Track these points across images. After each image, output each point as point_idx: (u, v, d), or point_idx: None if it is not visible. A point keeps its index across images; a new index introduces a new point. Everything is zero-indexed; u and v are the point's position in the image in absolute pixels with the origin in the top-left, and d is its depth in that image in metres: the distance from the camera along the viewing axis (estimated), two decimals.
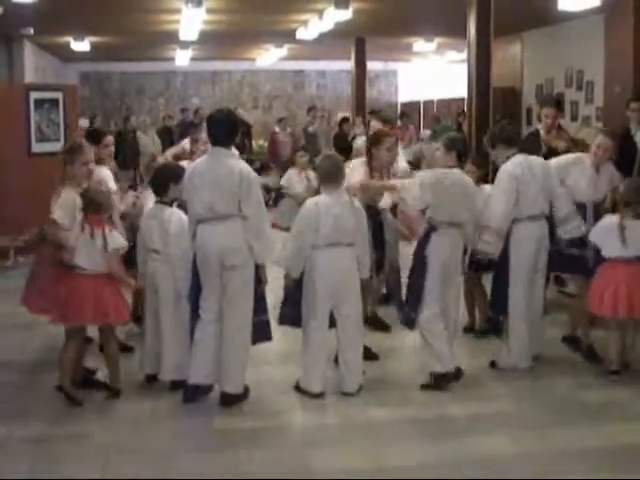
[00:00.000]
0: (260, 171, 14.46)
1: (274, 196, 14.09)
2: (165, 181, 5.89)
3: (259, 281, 5.59)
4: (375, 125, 8.22)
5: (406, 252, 6.38)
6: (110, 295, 5.52)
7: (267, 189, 13.66)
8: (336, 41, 16.50)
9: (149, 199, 6.27)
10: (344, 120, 16.38)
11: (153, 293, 5.84)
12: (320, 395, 5.67)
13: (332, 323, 5.80)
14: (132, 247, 5.85)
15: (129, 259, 5.91)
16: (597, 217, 6.42)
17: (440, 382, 5.80)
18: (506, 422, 5.30)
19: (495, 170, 6.49)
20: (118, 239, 5.59)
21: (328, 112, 21.98)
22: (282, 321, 5.96)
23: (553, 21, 14.55)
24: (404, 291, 6.21)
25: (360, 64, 18.36)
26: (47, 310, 5.66)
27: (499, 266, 6.22)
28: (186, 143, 10.02)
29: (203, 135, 6.81)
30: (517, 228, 6.10)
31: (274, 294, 6.19)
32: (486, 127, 7.90)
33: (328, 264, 5.66)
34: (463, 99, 13.52)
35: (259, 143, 20.04)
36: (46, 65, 19.42)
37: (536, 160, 6.33)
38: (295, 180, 9.19)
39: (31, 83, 15.04)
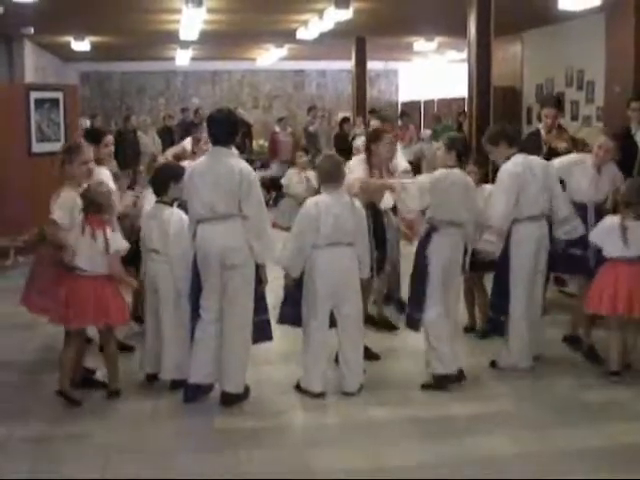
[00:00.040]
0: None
1: (274, 196, 14.11)
2: (165, 181, 5.89)
3: (259, 281, 5.59)
4: (375, 124, 8.24)
5: (407, 252, 6.37)
6: (111, 296, 5.51)
7: (267, 186, 13.67)
8: (336, 41, 16.50)
9: (149, 199, 6.27)
10: (345, 120, 16.38)
11: (153, 293, 5.84)
12: (321, 395, 5.67)
13: (332, 323, 5.80)
14: (131, 247, 5.83)
15: (128, 259, 5.90)
16: (599, 218, 6.41)
17: (441, 383, 5.80)
18: (506, 422, 5.30)
19: (495, 170, 6.48)
20: (119, 241, 5.59)
21: (328, 112, 21.96)
22: (282, 320, 5.96)
23: (553, 20, 14.54)
24: (404, 292, 6.21)
25: (360, 64, 18.36)
26: (47, 310, 5.66)
27: (500, 266, 6.21)
28: (186, 143, 10.03)
29: (205, 135, 6.82)
30: (517, 228, 6.10)
31: (274, 294, 6.19)
32: (486, 127, 7.88)
33: (328, 264, 5.65)
34: (464, 99, 13.52)
35: (259, 143, 20.03)
36: (46, 65, 19.42)
37: (536, 160, 6.33)
38: (295, 180, 9.19)
39: (31, 83, 15.04)
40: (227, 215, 5.43)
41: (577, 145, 8.03)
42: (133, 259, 6.00)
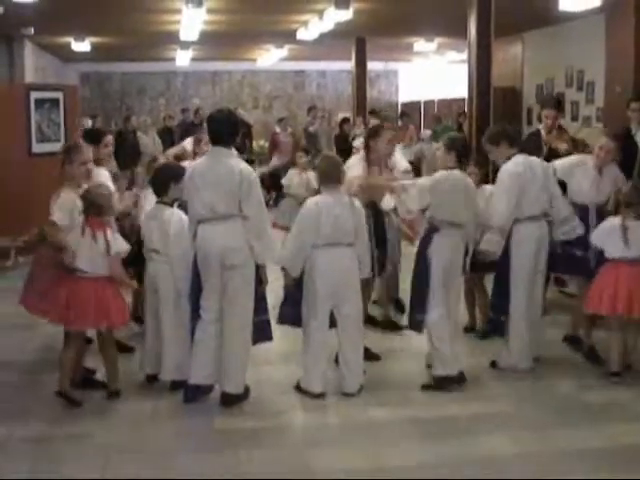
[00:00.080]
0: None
1: (275, 196, 14.11)
2: (165, 181, 5.89)
3: (260, 281, 5.59)
4: (374, 124, 8.25)
5: (409, 252, 6.37)
6: (111, 298, 5.51)
7: (267, 186, 13.66)
8: (336, 41, 16.50)
9: (149, 199, 6.27)
10: (345, 121, 16.37)
11: (153, 293, 5.84)
12: (321, 395, 5.67)
13: (332, 323, 5.80)
14: (132, 248, 5.82)
15: (129, 260, 5.89)
16: (600, 219, 6.42)
17: (442, 384, 5.79)
18: (506, 422, 5.30)
19: (495, 171, 6.48)
20: (120, 242, 5.58)
21: (329, 112, 21.97)
22: (281, 321, 5.95)
23: (554, 21, 14.55)
24: (404, 292, 6.20)
25: (360, 64, 18.36)
26: (46, 311, 5.65)
27: (500, 267, 6.22)
28: (187, 143, 10.03)
29: (206, 135, 6.82)
30: (517, 228, 6.10)
31: (274, 294, 6.19)
32: (487, 127, 7.89)
33: (328, 264, 5.65)
34: (464, 99, 13.52)
35: (259, 143, 20.04)
36: (46, 65, 19.42)
37: (536, 160, 6.34)
38: (296, 181, 9.19)
39: (32, 83, 15.04)
40: (227, 215, 5.43)
41: (577, 146, 8.03)
42: (133, 261, 6.00)
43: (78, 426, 5.22)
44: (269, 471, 4.62)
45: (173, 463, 4.72)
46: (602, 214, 6.55)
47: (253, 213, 5.42)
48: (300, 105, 22.92)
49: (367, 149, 6.80)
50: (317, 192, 6.01)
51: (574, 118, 14.57)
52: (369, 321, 7.14)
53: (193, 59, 20.27)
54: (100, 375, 5.89)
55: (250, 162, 6.56)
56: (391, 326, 7.26)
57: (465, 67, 11.84)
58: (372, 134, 6.84)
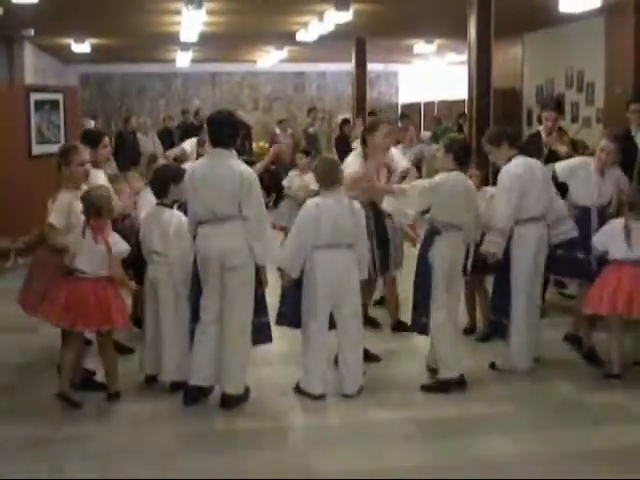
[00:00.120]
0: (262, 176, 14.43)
1: (274, 197, 14.11)
2: (165, 182, 5.89)
3: (259, 282, 5.59)
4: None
5: (411, 253, 6.36)
6: (111, 298, 5.51)
7: (266, 187, 13.64)
8: (336, 43, 16.49)
9: (148, 200, 6.27)
10: (345, 122, 16.37)
11: (153, 294, 5.84)
12: (320, 397, 5.67)
13: (332, 324, 5.80)
14: (132, 249, 5.82)
15: (129, 262, 5.89)
16: (601, 221, 6.43)
17: (444, 387, 5.79)
18: (506, 423, 5.30)
19: (495, 172, 6.49)
20: (120, 243, 5.59)
21: (329, 114, 21.97)
22: (280, 322, 5.95)
23: (554, 22, 14.55)
24: (403, 292, 6.20)
25: (360, 65, 18.35)
26: (45, 313, 5.62)
27: (500, 268, 6.22)
28: (186, 145, 10.05)
29: None
30: (518, 230, 6.10)
31: (274, 295, 6.19)
32: (487, 128, 7.88)
33: (328, 265, 5.66)
34: (464, 100, 13.52)
35: (259, 145, 20.03)
36: (46, 66, 19.42)
37: (535, 162, 6.34)
38: (296, 182, 9.20)
39: (32, 84, 15.02)
40: (227, 217, 5.43)
41: (577, 148, 8.04)
42: (133, 262, 5.99)
43: (78, 427, 5.22)
44: (269, 472, 4.62)
45: (173, 464, 4.72)
46: (604, 216, 6.55)
47: (253, 214, 5.42)
48: (300, 106, 22.91)
49: (364, 144, 6.81)
50: (316, 194, 6.01)
51: (574, 119, 14.58)
52: (369, 322, 7.15)
53: (193, 60, 20.27)
54: (100, 376, 5.88)
55: (250, 163, 6.56)
56: (401, 327, 7.19)
57: (465, 68, 11.84)
58: (369, 128, 6.86)
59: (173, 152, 10.18)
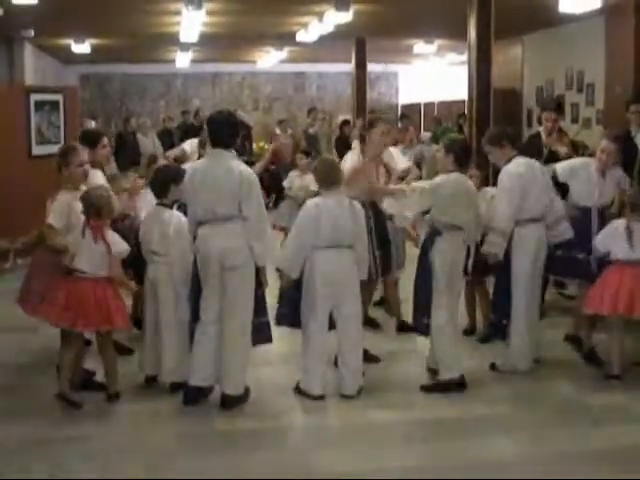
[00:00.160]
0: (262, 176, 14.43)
1: (274, 198, 14.11)
2: (165, 183, 5.89)
3: (259, 282, 5.59)
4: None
5: (414, 253, 6.35)
6: (111, 298, 5.51)
7: (266, 187, 13.63)
8: (336, 43, 16.49)
9: (148, 200, 6.27)
10: (345, 123, 16.37)
11: (153, 294, 5.84)
12: (320, 397, 5.67)
13: (332, 325, 5.80)
14: (131, 249, 5.81)
15: (128, 262, 5.89)
16: (602, 221, 6.42)
17: (445, 389, 5.79)
18: (506, 424, 5.30)
19: (496, 172, 6.48)
20: (120, 244, 5.58)
21: (329, 114, 21.96)
22: (279, 322, 5.94)
23: (554, 23, 14.55)
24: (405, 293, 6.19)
25: (360, 66, 18.34)
26: (44, 313, 5.62)
27: (501, 269, 6.22)
28: (186, 145, 10.04)
29: None
30: (518, 231, 6.10)
31: (274, 295, 6.18)
32: (486, 129, 7.89)
33: (328, 265, 5.66)
34: (464, 101, 13.53)
35: (259, 145, 20.04)
36: (46, 67, 19.41)
37: (535, 162, 6.35)
38: (297, 182, 9.20)
39: (31, 85, 15.02)
40: (227, 217, 5.43)
41: (577, 149, 8.04)
42: (133, 262, 5.99)
43: (78, 427, 5.22)
44: (269, 472, 4.61)
45: (173, 464, 4.72)
46: (604, 217, 6.54)
47: (253, 214, 5.42)
48: (300, 107, 22.90)
49: (362, 141, 6.81)
50: (317, 194, 6.01)
51: (574, 120, 14.57)
52: (369, 323, 7.14)
53: (193, 61, 20.26)
54: (99, 377, 5.88)
55: (250, 164, 6.57)
56: (406, 328, 7.14)
57: (465, 69, 11.84)
58: (367, 126, 6.85)
59: (173, 153, 10.18)
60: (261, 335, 5.68)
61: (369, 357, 6.26)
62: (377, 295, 7.80)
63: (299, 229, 5.72)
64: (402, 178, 7.36)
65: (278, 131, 16.97)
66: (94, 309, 5.41)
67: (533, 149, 7.36)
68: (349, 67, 18.86)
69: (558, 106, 8.61)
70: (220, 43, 17.58)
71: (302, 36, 15.17)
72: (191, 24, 13.20)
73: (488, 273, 6.70)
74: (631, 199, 6.03)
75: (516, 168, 6.11)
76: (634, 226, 5.91)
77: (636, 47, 12.04)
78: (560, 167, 6.80)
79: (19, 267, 6.35)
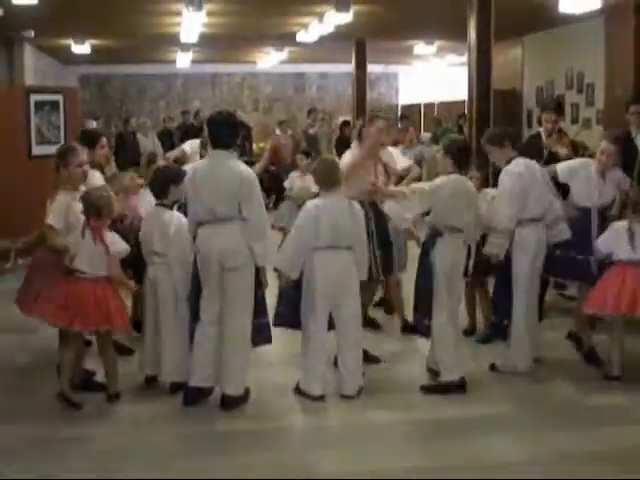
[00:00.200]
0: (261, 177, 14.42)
1: (274, 199, 14.11)
2: (165, 183, 5.89)
3: (259, 283, 5.59)
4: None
5: (415, 254, 6.35)
6: (111, 298, 5.50)
7: (266, 188, 13.63)
8: (337, 44, 16.49)
9: (147, 200, 6.27)
10: (345, 124, 16.37)
11: (153, 295, 5.84)
12: (320, 398, 5.66)
13: (331, 325, 5.80)
14: (131, 249, 5.81)
15: (128, 262, 5.88)
16: (602, 222, 6.42)
17: (445, 390, 5.78)
18: (506, 424, 5.30)
19: (496, 173, 6.48)
20: (120, 243, 5.58)
21: (329, 115, 21.98)
22: (278, 322, 5.93)
23: (554, 24, 14.56)
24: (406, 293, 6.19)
25: (361, 67, 18.35)
26: (44, 313, 5.62)
27: (502, 269, 6.22)
28: (186, 146, 10.04)
29: None
30: (518, 231, 6.10)
31: (273, 296, 6.18)
32: (486, 130, 7.89)
33: (327, 266, 5.65)
34: (464, 102, 13.53)
35: (259, 145, 20.04)
36: (46, 67, 19.41)
37: (534, 163, 6.35)
38: (298, 183, 9.20)
39: (31, 85, 15.02)
40: (227, 218, 5.43)
41: (577, 149, 8.03)
42: (133, 262, 5.99)
43: (78, 428, 5.22)
44: (269, 472, 4.61)
45: (173, 464, 4.72)
46: (605, 217, 6.54)
47: (253, 215, 5.42)
48: (300, 107, 22.91)
49: (360, 138, 6.80)
50: (317, 195, 6.01)
51: (574, 120, 14.58)
52: (370, 324, 7.14)
53: (193, 61, 20.27)
54: (99, 377, 5.88)
55: (250, 164, 6.57)
56: (410, 329, 7.08)
57: (465, 70, 11.84)
58: (366, 122, 6.82)
59: (173, 154, 10.18)
60: (261, 336, 5.68)
61: (369, 358, 6.26)
62: (377, 296, 7.80)
63: (299, 230, 5.72)
64: (403, 177, 7.37)
65: (278, 132, 16.98)
66: (93, 309, 5.41)
67: (533, 150, 7.35)
68: (349, 68, 18.87)
69: (558, 107, 8.61)
70: (220, 44, 17.59)
71: (302, 37, 15.18)
72: (191, 25, 13.21)
73: (489, 274, 6.70)
74: (633, 200, 6.04)
75: (516, 168, 6.11)
76: (636, 227, 5.92)
77: (636, 47, 12.04)
78: (560, 168, 6.80)
79: (20, 267, 6.35)
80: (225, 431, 5.22)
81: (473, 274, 6.32)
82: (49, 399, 5.51)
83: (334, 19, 12.53)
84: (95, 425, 5.28)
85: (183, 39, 15.12)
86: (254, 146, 19.28)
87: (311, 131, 16.86)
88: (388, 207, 6.63)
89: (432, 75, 23.51)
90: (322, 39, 14.96)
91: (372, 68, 19.60)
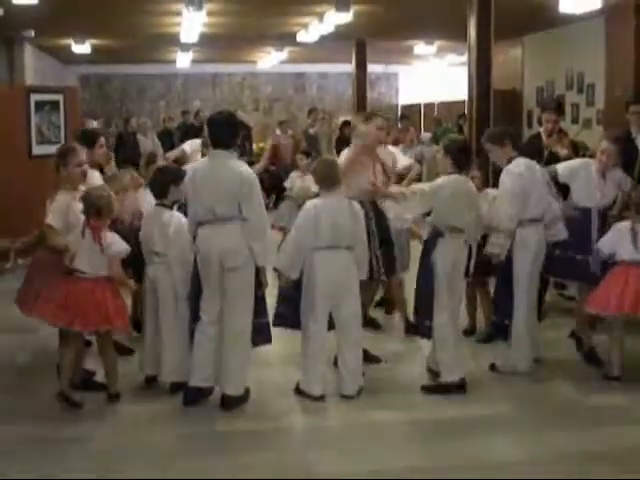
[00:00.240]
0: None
1: (274, 199, 14.11)
2: (165, 183, 5.89)
3: (259, 283, 5.59)
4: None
5: (418, 254, 6.34)
6: (110, 298, 5.50)
7: (266, 188, 13.63)
8: (337, 44, 16.51)
9: (147, 200, 6.27)
10: (345, 124, 16.34)
11: (153, 295, 5.84)
12: (320, 398, 5.66)
13: (331, 325, 5.80)
14: (132, 249, 5.81)
15: (128, 261, 5.88)
16: (603, 222, 6.41)
17: (445, 391, 5.78)
18: (506, 424, 5.30)
19: (496, 172, 6.48)
20: (120, 243, 5.58)
21: (329, 114, 21.98)
22: (277, 323, 5.92)
23: (554, 24, 14.56)
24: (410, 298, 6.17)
25: (361, 66, 18.36)
26: (43, 312, 5.61)
27: (503, 269, 6.21)
28: (186, 146, 10.05)
29: None
30: (519, 231, 6.10)
31: (273, 296, 6.18)
32: (486, 130, 7.89)
33: (327, 265, 5.65)
34: (464, 102, 13.54)
35: (259, 146, 20.04)
36: (46, 67, 19.41)
37: (534, 163, 6.35)
38: (298, 183, 9.20)
39: (32, 85, 15.02)
40: (227, 217, 5.43)
41: (578, 149, 8.03)
42: (133, 262, 5.99)
43: (78, 428, 5.22)
44: (269, 472, 4.61)
45: (173, 465, 4.72)
46: (605, 218, 6.54)
47: (253, 215, 5.42)
48: (300, 107, 22.92)
49: (357, 135, 6.78)
50: (317, 195, 6.01)
51: (574, 120, 14.59)
52: (370, 323, 7.14)
53: (193, 61, 20.28)
54: (100, 377, 5.88)
55: (250, 164, 6.57)
56: (413, 329, 7.01)
57: (465, 70, 11.84)
58: (364, 120, 6.78)
59: (173, 154, 10.18)
60: (261, 336, 5.68)
61: (369, 357, 6.25)
62: (377, 295, 7.79)
63: (298, 230, 5.72)
64: (403, 177, 7.37)
65: (278, 131, 16.97)
66: (93, 309, 5.40)
67: (534, 150, 7.35)
68: (349, 68, 18.89)
69: (558, 107, 8.61)
70: (220, 44, 17.60)
71: (302, 36, 15.19)
72: (191, 25, 13.22)
73: (490, 274, 6.69)
74: (636, 201, 6.05)
75: (517, 169, 6.11)
76: (639, 227, 5.93)
77: (636, 47, 12.05)
78: (560, 168, 6.80)
79: (20, 267, 6.35)
80: (225, 431, 5.22)
81: (474, 274, 6.32)
82: (49, 399, 5.51)
83: (334, 19, 12.54)
84: (95, 425, 5.28)
85: (183, 39, 15.13)
86: (254, 146, 19.28)
87: (311, 131, 16.85)
88: (388, 207, 6.62)
89: (432, 75, 23.53)
90: (322, 39, 14.97)
91: (372, 68, 19.61)
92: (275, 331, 5.87)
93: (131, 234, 6.11)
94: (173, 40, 16.05)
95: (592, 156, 7.01)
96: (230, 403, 5.49)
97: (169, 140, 15.59)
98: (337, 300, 5.71)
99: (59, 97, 10.42)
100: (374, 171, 6.62)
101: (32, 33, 15.05)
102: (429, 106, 22.32)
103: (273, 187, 14.04)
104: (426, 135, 17.12)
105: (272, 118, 22.33)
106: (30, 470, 4.61)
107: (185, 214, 5.83)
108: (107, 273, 5.49)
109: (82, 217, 5.52)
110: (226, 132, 5.57)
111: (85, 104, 20.49)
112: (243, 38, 16.79)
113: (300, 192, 8.88)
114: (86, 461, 4.75)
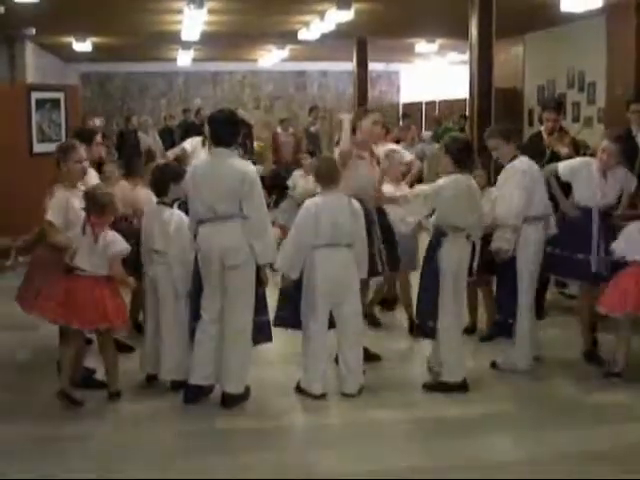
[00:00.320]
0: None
1: (275, 198, 14.11)
2: (165, 181, 5.88)
3: (260, 281, 5.58)
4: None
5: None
6: (109, 297, 5.49)
7: (267, 187, 13.63)
8: (338, 42, 16.50)
9: (148, 198, 6.27)
10: None
11: (153, 293, 5.84)
12: (321, 396, 5.66)
13: (332, 324, 5.79)
14: (132, 248, 5.80)
15: (129, 260, 5.88)
16: (604, 222, 6.40)
17: (444, 389, 5.78)
18: (507, 423, 5.30)
19: (497, 171, 6.47)
20: (120, 242, 5.58)
21: (330, 112, 21.96)
22: (278, 323, 5.91)
23: (555, 22, 14.55)
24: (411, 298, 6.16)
25: (362, 65, 18.36)
26: (43, 310, 5.61)
27: (505, 268, 6.21)
28: (187, 144, 10.03)
29: None
30: (524, 228, 6.10)
31: (275, 295, 6.18)
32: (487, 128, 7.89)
33: (327, 264, 5.65)
34: (465, 100, 13.54)
35: (260, 145, 20.03)
36: (47, 65, 19.40)
37: (534, 163, 6.35)
38: (301, 182, 9.20)
39: (33, 83, 15.03)
40: (228, 215, 5.42)
41: (579, 148, 8.02)
42: (133, 260, 5.98)
43: (78, 426, 5.22)
44: (269, 472, 4.61)
45: (173, 463, 4.72)
46: (606, 217, 6.52)
47: (254, 213, 5.41)
48: (301, 105, 22.90)
49: (354, 131, 6.76)
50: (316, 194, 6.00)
51: (575, 119, 14.57)
52: (371, 322, 7.14)
53: (194, 59, 20.26)
54: (100, 375, 5.88)
55: (251, 163, 6.56)
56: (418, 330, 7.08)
57: (466, 68, 11.84)
58: (359, 115, 6.76)
59: (174, 152, 10.16)
60: (262, 334, 5.68)
61: (370, 356, 6.25)
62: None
63: (298, 228, 5.71)
64: (404, 174, 7.36)
65: (279, 130, 16.96)
66: (91, 308, 5.40)
67: (535, 149, 7.35)
68: (350, 66, 18.88)
69: (559, 105, 8.57)
70: (221, 42, 17.59)
71: (303, 35, 15.18)
72: (193, 23, 13.21)
73: (494, 273, 6.67)
74: None
75: (521, 165, 6.14)
76: None
77: (637, 46, 12.05)
78: (561, 167, 6.79)
79: (20, 265, 6.34)
80: (225, 429, 5.22)
81: (478, 273, 6.31)
82: (49, 397, 5.51)
83: (335, 17, 12.54)
84: (95, 423, 5.28)
85: (184, 37, 15.12)
86: (255, 144, 19.27)
87: (312, 129, 16.84)
88: (390, 210, 6.61)
89: (433, 73, 23.51)
90: (323, 37, 14.96)
91: (373, 66, 19.60)
92: (276, 329, 5.86)
93: (132, 233, 6.11)
94: (174, 38, 16.04)
95: (593, 155, 6.98)
96: (230, 401, 5.49)
97: (170, 138, 15.56)
98: (337, 298, 5.71)
99: (60, 95, 10.44)
100: (372, 169, 6.61)
101: (33, 31, 15.05)
102: (430, 104, 22.33)
103: (274, 186, 14.04)
104: (427, 133, 17.12)
105: (273, 116, 22.31)
106: (30, 470, 4.61)
107: (186, 212, 5.83)
108: (107, 272, 5.48)
109: (82, 214, 5.51)
110: (227, 130, 5.57)
111: (86, 102, 20.47)
112: (244, 36, 16.79)
113: (303, 194, 8.88)
114: (86, 460, 4.74)
